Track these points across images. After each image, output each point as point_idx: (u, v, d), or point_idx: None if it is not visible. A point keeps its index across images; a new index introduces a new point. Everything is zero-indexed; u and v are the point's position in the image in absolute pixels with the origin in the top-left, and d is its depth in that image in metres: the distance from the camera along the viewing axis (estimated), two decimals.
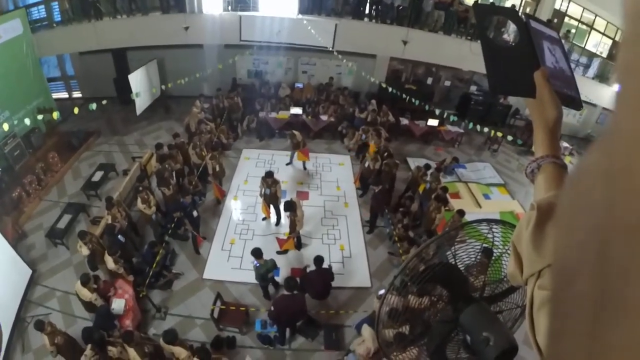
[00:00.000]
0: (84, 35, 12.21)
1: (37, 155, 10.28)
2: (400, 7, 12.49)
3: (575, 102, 0.92)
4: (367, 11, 12.96)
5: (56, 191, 9.93)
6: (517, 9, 13.89)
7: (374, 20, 12.87)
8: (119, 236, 7.39)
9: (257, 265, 6.74)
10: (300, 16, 12.05)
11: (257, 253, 6.75)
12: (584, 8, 14.21)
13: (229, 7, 12.40)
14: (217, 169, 9.17)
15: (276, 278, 7.39)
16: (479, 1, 12.21)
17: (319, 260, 6.73)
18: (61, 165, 10.50)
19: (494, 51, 0.93)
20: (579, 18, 14.43)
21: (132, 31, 12.23)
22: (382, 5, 12.59)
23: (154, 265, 7.14)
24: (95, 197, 9.56)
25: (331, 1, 12.49)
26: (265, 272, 6.81)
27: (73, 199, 9.51)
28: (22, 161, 9.84)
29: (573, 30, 14.29)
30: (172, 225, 7.89)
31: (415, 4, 12.51)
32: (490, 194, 10.60)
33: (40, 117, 9.81)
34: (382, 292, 6.39)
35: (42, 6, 13.28)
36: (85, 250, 6.94)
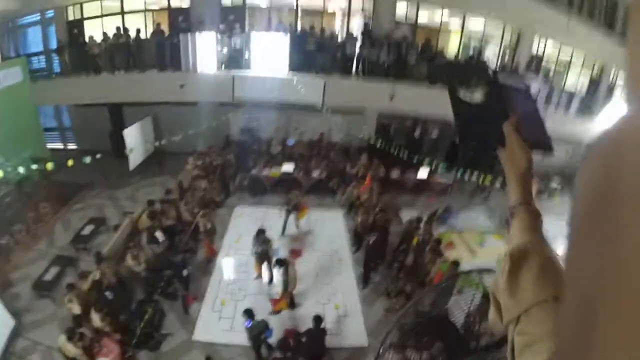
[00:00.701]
0: (82, 88, 12.60)
1: (29, 205, 10.26)
2: (386, 63, 13.04)
3: (545, 146, 0.97)
4: (354, 68, 13.49)
5: (45, 242, 9.86)
6: (497, 57, 14.67)
7: (361, 76, 13.39)
8: (107, 292, 7.27)
9: (249, 325, 6.62)
10: (290, 74, 12.50)
11: (249, 313, 6.67)
12: (559, 49, 14.97)
13: (223, 67, 12.88)
14: (209, 227, 9.17)
15: (269, 339, 7.22)
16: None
17: (317, 320, 6.61)
18: (52, 216, 10.50)
19: (464, 110, 0.99)
20: (555, 60, 15.16)
21: (129, 87, 12.63)
22: (368, 61, 13.14)
23: (142, 324, 6.98)
24: (85, 250, 9.45)
25: (320, 59, 13.00)
26: (258, 333, 6.67)
27: (62, 252, 9.41)
28: (12, 209, 9.80)
29: (551, 73, 15.00)
30: (162, 283, 7.79)
31: (400, 58, 13.06)
32: (485, 242, 10.59)
33: (34, 166, 9.88)
34: None
35: (43, 56, 13.81)
36: (76, 308, 6.80)
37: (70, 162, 9.17)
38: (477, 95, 1.07)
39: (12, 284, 8.42)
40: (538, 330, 0.71)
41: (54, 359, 6.75)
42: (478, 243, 10.48)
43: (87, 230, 9.90)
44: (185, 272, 7.93)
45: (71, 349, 6.14)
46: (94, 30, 13.35)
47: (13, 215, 9.69)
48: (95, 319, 6.65)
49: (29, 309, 7.86)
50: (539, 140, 0.98)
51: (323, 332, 6.70)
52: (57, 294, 8.00)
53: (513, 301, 0.79)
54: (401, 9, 14.00)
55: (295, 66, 12.81)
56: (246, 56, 12.89)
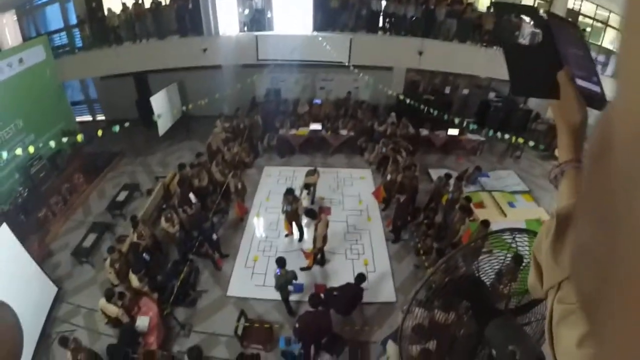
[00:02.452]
0: (105, 60, 12.72)
1: (63, 177, 10.62)
2: (413, 18, 12.54)
3: (599, 100, 0.87)
4: (380, 24, 13.05)
5: (82, 211, 10.24)
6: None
7: (387, 33, 12.95)
8: (144, 254, 7.52)
9: (278, 273, 6.76)
10: (315, 33, 12.22)
11: (280, 262, 6.78)
12: (597, 5, 13.99)
13: (245, 28, 12.72)
14: (239, 187, 9.28)
15: (299, 294, 7.37)
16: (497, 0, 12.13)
17: (360, 277, 6.70)
18: (86, 186, 10.87)
19: (515, 51, 0.90)
20: (593, 16, 14.21)
21: (152, 55, 12.68)
22: (395, 18, 12.67)
23: (178, 283, 7.22)
24: (120, 216, 9.78)
25: (345, 17, 12.62)
26: (285, 282, 6.82)
27: (98, 219, 9.75)
28: (48, 182, 10.15)
29: (588, 29, 14.06)
30: (196, 243, 8.01)
31: (428, 14, 12.53)
32: (515, 202, 10.34)
33: (65, 139, 10.15)
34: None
35: (64, 33, 13.97)
36: (114, 278, 7.09)
37: (99, 133, 9.35)
38: (524, 39, 0.94)
39: (53, 253, 8.81)
40: None
41: (95, 320, 7.10)
42: (508, 203, 10.22)
43: (122, 196, 10.20)
44: (214, 237, 8.07)
45: (112, 309, 6.40)
46: (112, 2, 13.35)
47: (49, 189, 10.04)
48: (134, 280, 6.90)
49: (69, 275, 8.24)
50: (593, 93, 0.87)
51: (361, 290, 6.74)
52: (96, 260, 8.37)
53: (556, 265, 0.73)
54: None
55: (319, 24, 12.51)
56: (269, 16, 12.64)
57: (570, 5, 13.94)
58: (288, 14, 12.38)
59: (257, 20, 12.67)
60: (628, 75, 0.27)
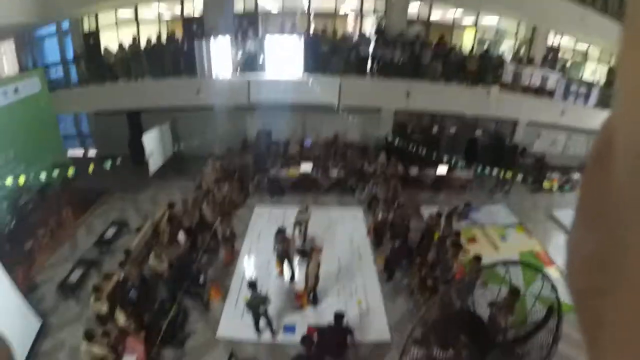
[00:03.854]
0: (100, 96, 12.96)
1: (52, 209, 10.45)
2: (400, 61, 13.03)
3: None
4: (369, 68, 13.53)
5: (69, 245, 10.06)
6: (512, 51, 14.55)
7: (376, 76, 13.40)
8: (131, 292, 7.36)
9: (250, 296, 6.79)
10: (305, 76, 12.59)
11: (252, 285, 6.85)
12: (576, 40, 14.76)
13: (238, 71, 13.06)
14: (228, 233, 9.20)
15: (293, 334, 7.22)
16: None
17: (338, 317, 6.52)
18: (75, 220, 10.73)
19: None
20: (572, 50, 15.00)
21: (146, 94, 12.96)
22: (382, 61, 13.16)
23: (166, 323, 7.03)
24: (108, 253, 9.62)
25: (334, 60, 13.07)
26: (256, 304, 6.81)
27: (85, 254, 9.58)
28: (36, 214, 10.00)
29: (569, 64, 14.78)
30: (185, 283, 7.86)
31: (414, 57, 13.04)
32: (507, 236, 10.46)
33: (55, 172, 10.11)
34: None
35: (60, 66, 14.21)
36: (104, 308, 6.87)
37: (91, 168, 9.33)
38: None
39: (38, 286, 8.61)
40: None
41: (80, 358, 6.80)
42: (500, 237, 10.29)
43: (110, 233, 10.07)
44: (201, 279, 7.93)
45: (97, 350, 6.16)
46: (109, 40, 13.73)
47: (36, 221, 9.88)
48: (120, 318, 6.72)
49: (54, 310, 8.01)
50: None
51: (346, 330, 6.58)
52: (82, 295, 8.15)
53: None
54: (414, 8, 14.04)
55: (310, 68, 12.92)
56: (261, 60, 13.04)
57: (549, 43, 14.67)
58: (280, 57, 12.75)
59: (249, 63, 13.06)
60: (626, 86, 0.30)
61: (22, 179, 8.96)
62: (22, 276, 8.20)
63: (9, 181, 8.53)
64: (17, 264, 8.36)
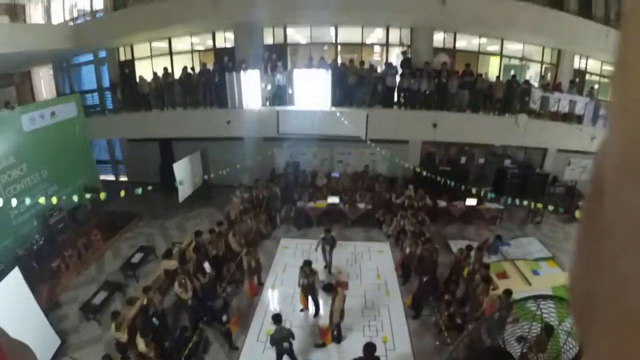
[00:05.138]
0: (133, 124, 13.46)
1: (80, 231, 10.82)
2: (427, 92, 13.03)
3: None
4: (395, 99, 13.58)
5: (95, 267, 10.33)
6: (538, 76, 14.30)
7: (402, 107, 13.42)
8: (153, 319, 7.39)
9: (273, 331, 6.62)
10: (333, 108, 12.74)
11: (276, 318, 6.70)
12: (602, 62, 14.38)
13: (267, 103, 13.35)
14: (253, 265, 9.20)
15: None
16: None
17: (369, 348, 6.27)
18: (102, 243, 11.01)
19: None
20: (599, 73, 14.65)
21: (178, 123, 13.39)
22: (409, 92, 13.19)
23: (186, 352, 7.02)
24: (133, 277, 9.79)
25: (361, 93, 13.19)
26: (280, 339, 6.63)
27: (111, 277, 9.78)
28: (64, 234, 10.38)
29: (596, 86, 14.40)
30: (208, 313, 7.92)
31: (441, 87, 13.03)
32: (540, 269, 10.03)
33: (87, 195, 10.45)
34: None
35: (96, 94, 14.90)
36: (124, 337, 6.93)
37: (122, 193, 9.65)
38: None
39: (61, 305, 8.84)
40: None
41: None
42: (532, 271, 9.92)
43: (137, 258, 10.27)
44: (224, 318, 7.88)
45: None
46: (144, 70, 14.33)
47: (65, 241, 10.25)
48: (141, 344, 6.74)
49: (75, 330, 8.17)
50: None
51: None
52: (104, 318, 8.28)
53: None
54: (439, 37, 14.11)
55: (337, 100, 13.10)
56: (290, 92, 13.31)
57: (576, 66, 14.38)
58: (308, 90, 12.98)
59: (278, 95, 13.33)
60: (618, 113, 0.31)
61: (54, 199, 9.35)
62: (46, 294, 8.45)
63: (41, 200, 8.92)
64: (42, 281, 8.66)
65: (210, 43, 14.88)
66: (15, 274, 7.00)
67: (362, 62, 13.39)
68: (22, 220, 9.67)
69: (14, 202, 8.67)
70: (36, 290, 7.72)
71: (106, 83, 14.96)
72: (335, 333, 7.80)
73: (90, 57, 15.50)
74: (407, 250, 9.44)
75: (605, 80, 14.80)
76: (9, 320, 6.61)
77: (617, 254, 0.30)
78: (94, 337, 7.98)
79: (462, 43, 14.50)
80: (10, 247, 9.19)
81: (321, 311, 8.52)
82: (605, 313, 0.32)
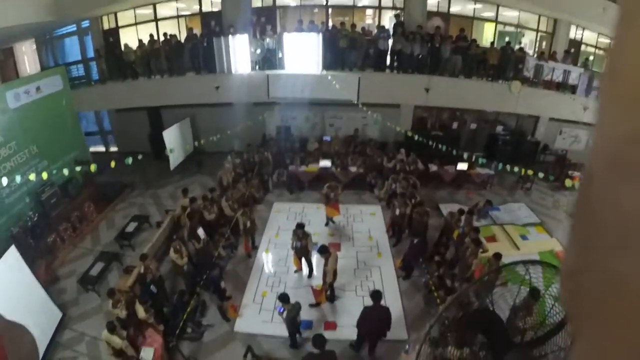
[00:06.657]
0: (120, 93, 13.15)
1: (73, 204, 10.74)
2: (420, 56, 12.84)
3: None
4: (387, 63, 13.37)
5: (90, 239, 10.33)
6: (533, 44, 14.14)
7: (395, 71, 13.24)
8: (151, 286, 7.48)
9: (282, 310, 6.64)
10: (324, 72, 12.54)
11: (284, 298, 6.70)
12: (598, 33, 14.29)
13: (257, 67, 13.09)
14: (249, 224, 9.28)
15: (309, 330, 7.26)
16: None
17: (376, 295, 6.45)
18: (96, 215, 10.98)
19: None
20: (595, 44, 14.57)
21: (166, 91, 13.09)
22: (402, 56, 12.98)
23: (184, 316, 7.15)
24: (129, 247, 9.84)
25: (353, 56, 12.96)
26: (295, 315, 6.72)
27: (106, 248, 9.82)
28: (58, 209, 10.29)
29: (591, 57, 14.35)
30: (204, 277, 8.02)
31: (434, 51, 12.85)
32: (528, 235, 10.23)
33: (78, 168, 10.34)
34: (407, 347, 6.09)
35: (81, 65, 14.49)
36: (122, 314, 6.95)
37: (112, 164, 9.54)
38: None
39: (59, 279, 8.89)
40: None
41: (99, 349, 7.03)
42: (520, 236, 10.11)
43: (131, 227, 10.26)
44: (222, 285, 7.93)
45: (116, 341, 6.30)
46: (129, 38, 13.89)
47: (58, 215, 10.18)
48: (140, 310, 6.84)
49: (75, 302, 8.25)
50: None
51: (385, 311, 6.51)
52: (102, 288, 8.33)
53: None
54: (433, 1, 13.78)
55: (328, 64, 12.85)
56: (280, 56, 13.04)
57: (572, 36, 14.25)
58: (298, 53, 12.71)
59: (268, 59, 13.05)
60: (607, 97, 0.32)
61: (45, 175, 9.24)
62: (44, 269, 8.46)
63: (32, 176, 8.81)
64: (39, 257, 8.67)
65: (196, 7, 14.39)
66: (12, 252, 6.99)
67: (353, 25, 13.09)
68: (15, 199, 9.55)
69: (4, 181, 8.55)
70: (34, 266, 7.74)
71: (91, 54, 14.48)
72: (328, 293, 7.96)
73: (73, 27, 14.96)
74: (397, 211, 9.53)
75: (601, 52, 14.69)
76: (10, 298, 6.66)
77: (608, 249, 0.31)
78: (94, 308, 8.07)
79: (456, 7, 14.17)
80: (4, 226, 9.11)
81: (315, 272, 8.65)
82: (597, 307, 0.33)
